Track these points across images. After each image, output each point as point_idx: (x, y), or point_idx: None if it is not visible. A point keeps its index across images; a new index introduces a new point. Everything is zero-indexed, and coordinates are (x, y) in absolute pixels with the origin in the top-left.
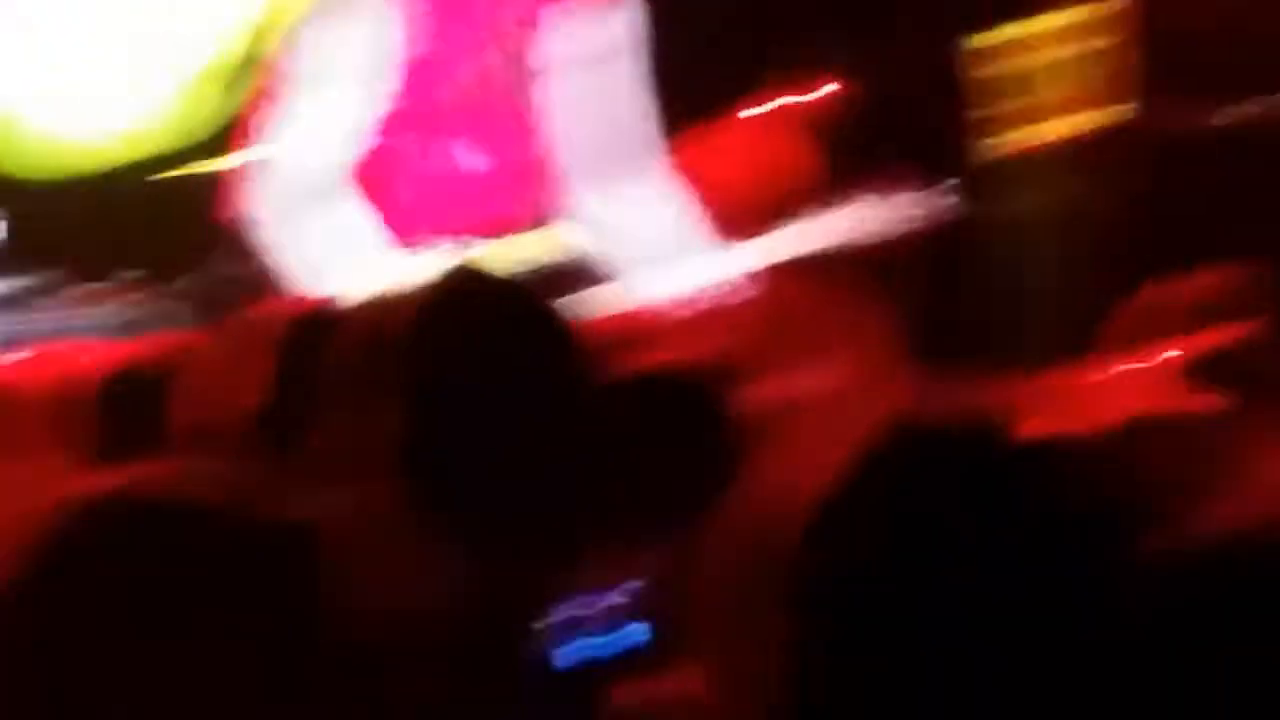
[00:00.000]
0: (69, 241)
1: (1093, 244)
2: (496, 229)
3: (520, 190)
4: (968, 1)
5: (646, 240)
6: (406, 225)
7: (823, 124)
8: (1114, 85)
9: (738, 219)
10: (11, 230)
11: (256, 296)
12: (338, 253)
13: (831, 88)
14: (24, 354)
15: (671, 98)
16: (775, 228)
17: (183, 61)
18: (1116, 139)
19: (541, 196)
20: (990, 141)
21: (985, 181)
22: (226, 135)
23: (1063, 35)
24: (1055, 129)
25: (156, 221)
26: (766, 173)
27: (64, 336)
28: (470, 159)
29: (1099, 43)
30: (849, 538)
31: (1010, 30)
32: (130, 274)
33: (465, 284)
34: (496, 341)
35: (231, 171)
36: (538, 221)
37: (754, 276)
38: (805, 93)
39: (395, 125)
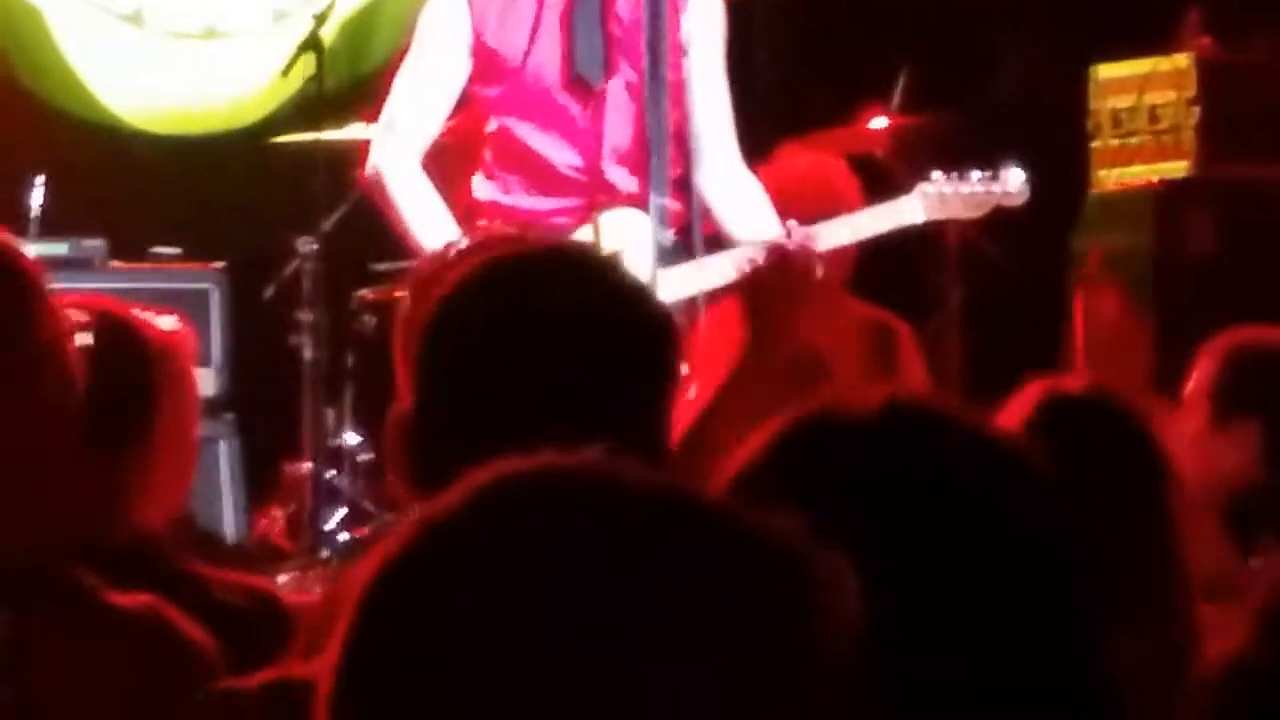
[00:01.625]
0: (107, 210)
1: (1174, 287)
2: (588, 214)
3: (616, 175)
4: (1062, 39)
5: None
6: (496, 207)
7: (903, 149)
8: (1197, 135)
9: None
10: (49, 196)
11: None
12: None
13: (914, 116)
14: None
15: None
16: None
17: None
18: (1196, 188)
19: (636, 183)
20: (1088, 177)
21: (1074, 216)
22: (322, 106)
23: (1152, 81)
24: (1149, 172)
25: (200, 191)
26: (813, 199)
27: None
28: (560, 147)
29: (1184, 92)
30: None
31: (1110, 70)
32: (168, 248)
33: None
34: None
35: (340, 140)
36: (632, 204)
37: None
38: (886, 120)
39: (497, 106)
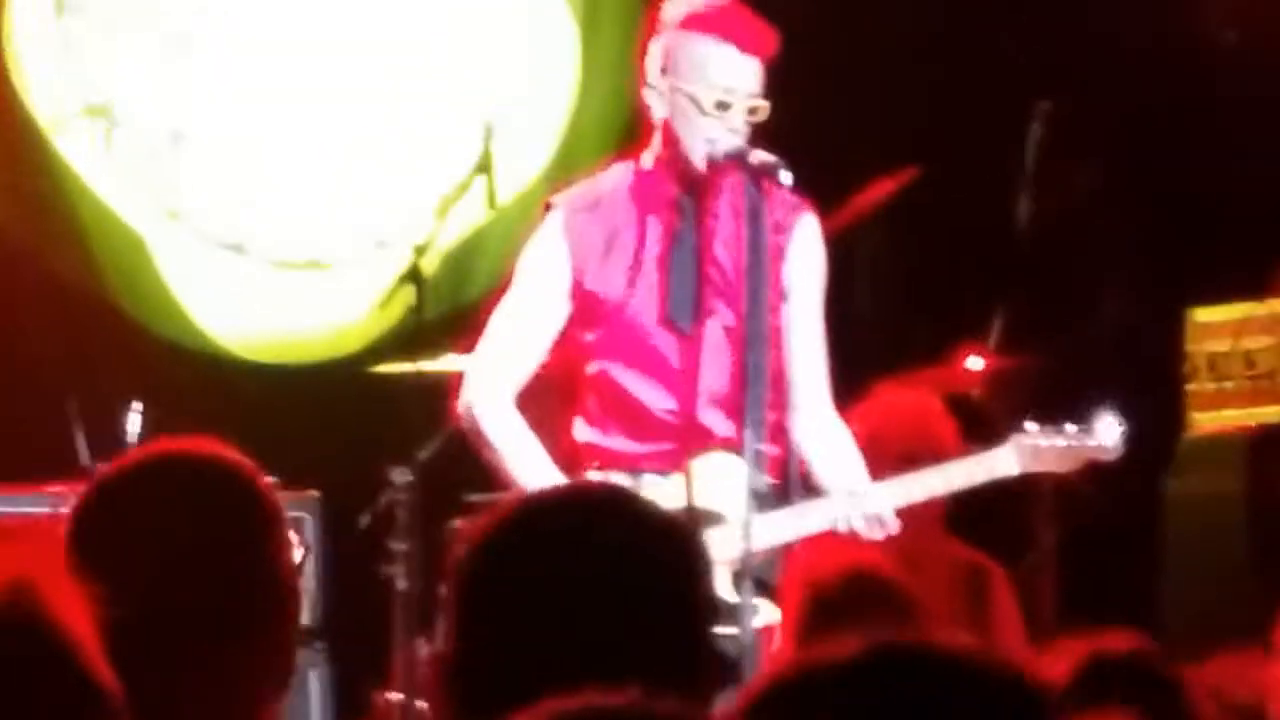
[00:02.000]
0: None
1: (1267, 532)
2: (670, 464)
3: (700, 425)
4: (1160, 281)
5: (825, 475)
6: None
7: (999, 390)
8: None
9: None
10: (147, 423)
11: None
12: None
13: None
14: None
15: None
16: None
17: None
18: None
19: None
20: (1183, 420)
21: (1169, 459)
22: (424, 335)
23: (1249, 325)
24: (1244, 416)
25: (298, 420)
26: (909, 439)
27: None
28: (656, 390)
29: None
30: None
31: (1207, 314)
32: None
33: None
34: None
35: (437, 371)
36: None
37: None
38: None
39: (596, 349)
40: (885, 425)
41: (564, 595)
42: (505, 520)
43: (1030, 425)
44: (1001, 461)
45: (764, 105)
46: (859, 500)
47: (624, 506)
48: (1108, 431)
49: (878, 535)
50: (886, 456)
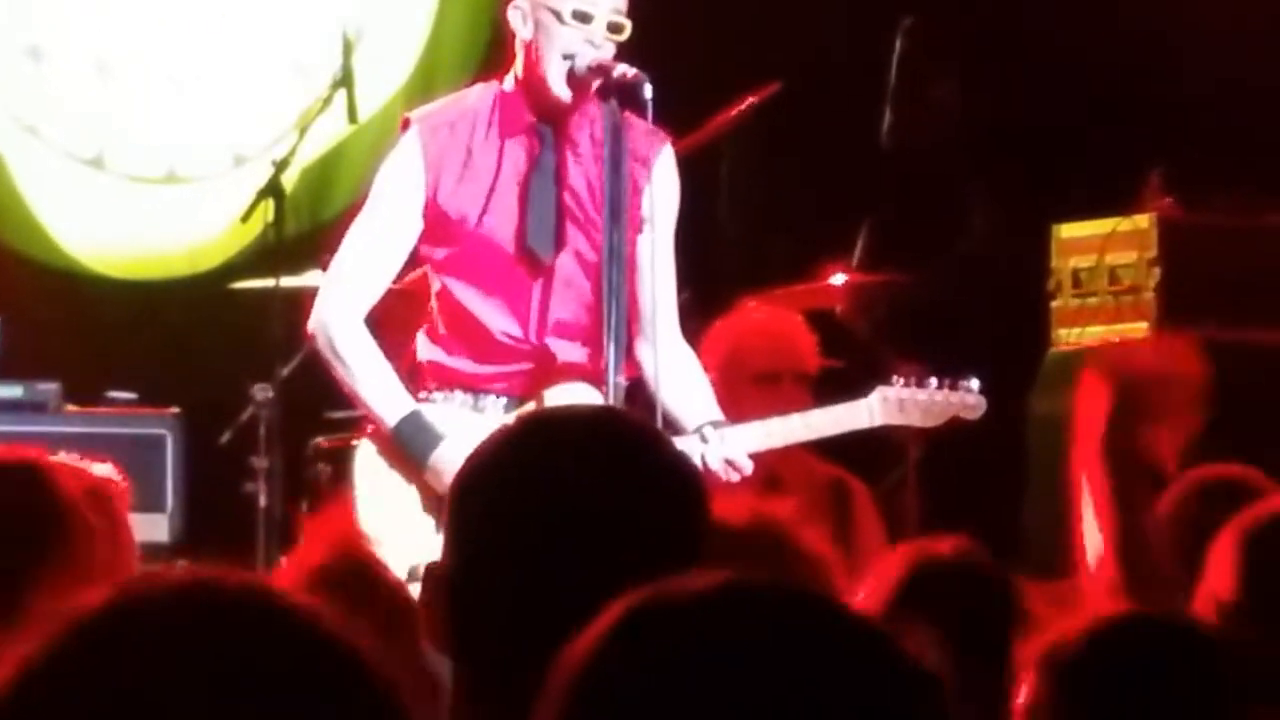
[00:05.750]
0: (63, 354)
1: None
2: (516, 389)
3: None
4: (1025, 198)
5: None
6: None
7: (862, 306)
8: (1157, 295)
9: (731, 398)
10: (5, 338)
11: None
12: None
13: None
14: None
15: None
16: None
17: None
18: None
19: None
20: (1047, 336)
21: (1030, 378)
22: (281, 252)
23: (1113, 241)
24: (1109, 332)
25: (157, 336)
26: (769, 355)
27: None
28: (505, 315)
29: (1145, 253)
30: None
31: (1071, 229)
32: (123, 393)
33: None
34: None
35: (290, 288)
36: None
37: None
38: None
39: (443, 267)
40: (745, 341)
41: (563, 508)
42: (503, 435)
43: (895, 379)
44: (864, 413)
45: (626, 23)
46: (717, 443)
47: (619, 420)
48: (971, 391)
49: (733, 478)
50: (746, 372)
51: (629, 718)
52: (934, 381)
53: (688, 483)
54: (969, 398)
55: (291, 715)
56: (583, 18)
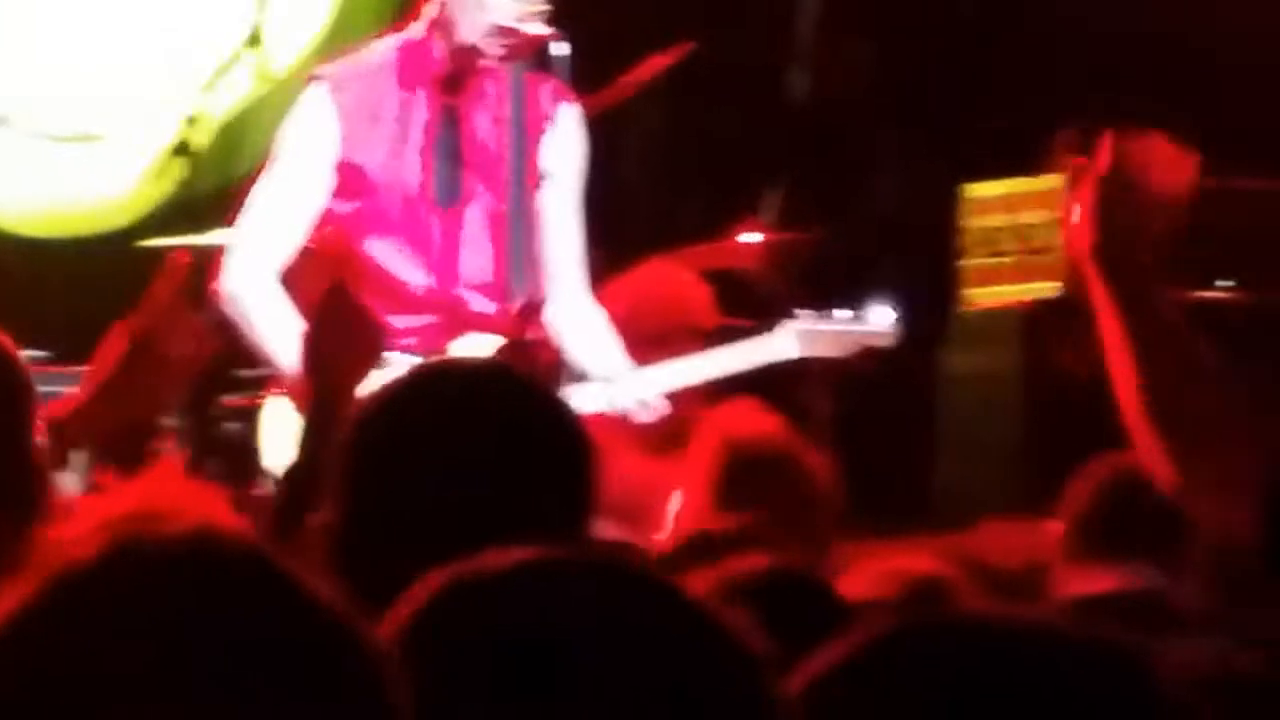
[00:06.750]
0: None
1: (1041, 407)
2: (424, 344)
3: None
4: (937, 157)
5: (580, 357)
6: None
7: (774, 264)
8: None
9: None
10: None
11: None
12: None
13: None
14: None
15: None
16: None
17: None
18: (1066, 308)
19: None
20: (957, 295)
21: (942, 334)
22: (191, 211)
23: (1023, 200)
24: (1018, 292)
25: (68, 295)
26: (663, 314)
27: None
28: (413, 268)
29: (1056, 212)
30: None
31: (981, 189)
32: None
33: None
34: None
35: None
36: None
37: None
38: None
39: (352, 222)
40: (640, 301)
41: (449, 463)
42: (390, 391)
43: (803, 311)
44: (776, 345)
45: None
46: (628, 384)
47: (508, 376)
48: (882, 318)
49: (647, 419)
50: (641, 331)
51: (439, 696)
52: (843, 312)
53: (574, 437)
54: (880, 325)
55: (286, 681)
56: None
